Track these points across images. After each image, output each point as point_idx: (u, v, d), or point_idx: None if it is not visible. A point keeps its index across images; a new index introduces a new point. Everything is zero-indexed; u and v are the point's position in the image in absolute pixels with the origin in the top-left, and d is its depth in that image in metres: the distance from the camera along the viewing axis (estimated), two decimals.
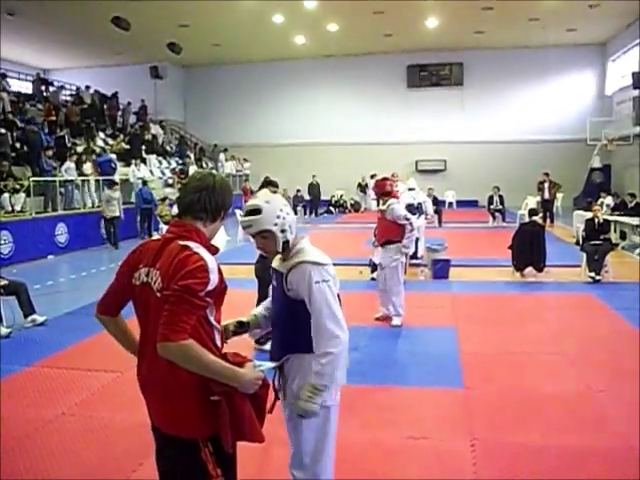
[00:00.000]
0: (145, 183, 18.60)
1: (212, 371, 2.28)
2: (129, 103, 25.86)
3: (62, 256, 14.46)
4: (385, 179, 8.25)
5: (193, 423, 2.35)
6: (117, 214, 16.42)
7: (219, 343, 2.45)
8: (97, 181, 17.61)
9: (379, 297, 8.08)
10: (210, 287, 2.30)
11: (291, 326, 2.96)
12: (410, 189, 12.30)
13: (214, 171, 2.89)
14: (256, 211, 2.86)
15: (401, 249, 7.79)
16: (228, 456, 2.43)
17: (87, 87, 24.98)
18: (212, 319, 2.41)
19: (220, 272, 2.40)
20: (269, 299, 3.21)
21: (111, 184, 16.79)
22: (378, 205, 8.04)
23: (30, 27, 20.70)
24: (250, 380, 2.38)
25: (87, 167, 17.47)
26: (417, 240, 12.12)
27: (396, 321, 7.75)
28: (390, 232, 7.76)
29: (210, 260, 2.33)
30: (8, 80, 20.88)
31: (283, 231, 2.89)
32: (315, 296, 2.82)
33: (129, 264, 2.52)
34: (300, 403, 2.84)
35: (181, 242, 2.37)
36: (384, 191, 7.97)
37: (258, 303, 6.41)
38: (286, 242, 2.93)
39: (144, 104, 27.29)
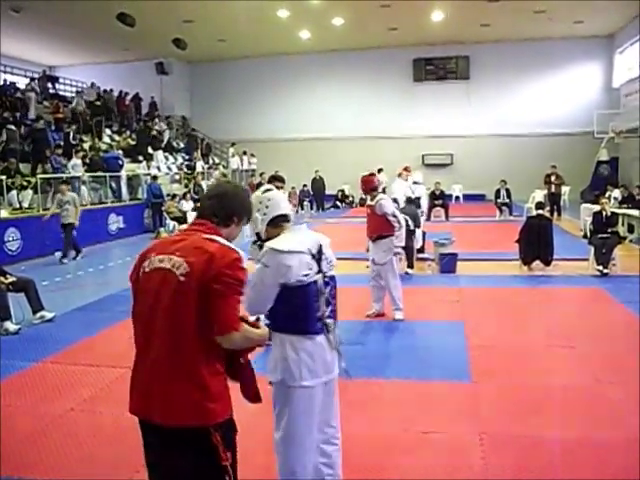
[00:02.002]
0: (155, 178, 18.70)
1: (259, 341, 2.61)
2: (130, 98, 25.93)
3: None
4: (372, 175, 8.07)
5: (206, 409, 2.38)
6: (69, 220, 13.18)
7: None
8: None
9: (371, 293, 7.95)
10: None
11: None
12: (414, 182, 12.32)
13: (234, 182, 3.31)
14: None
15: (392, 248, 7.67)
16: (233, 440, 2.51)
17: (92, 84, 25.04)
18: None
19: None
20: None
21: (59, 184, 13.92)
22: (372, 200, 7.81)
23: (35, 24, 20.74)
24: (267, 334, 2.75)
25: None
26: (424, 234, 12.14)
27: (399, 315, 7.68)
28: (381, 227, 7.64)
29: (241, 253, 2.51)
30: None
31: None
32: (254, 272, 3.07)
33: (135, 267, 2.61)
34: None
35: (205, 235, 2.50)
36: (372, 186, 7.81)
37: None
38: (257, 234, 3.35)
39: (154, 100, 27.38)
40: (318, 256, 3.16)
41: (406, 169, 12.34)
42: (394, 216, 7.60)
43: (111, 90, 25.08)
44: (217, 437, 2.39)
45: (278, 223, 3.24)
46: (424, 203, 12.57)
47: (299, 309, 3.09)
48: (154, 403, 2.42)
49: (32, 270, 11.47)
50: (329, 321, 3.18)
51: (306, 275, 3.07)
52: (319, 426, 3.21)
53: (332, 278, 3.24)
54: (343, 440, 3.15)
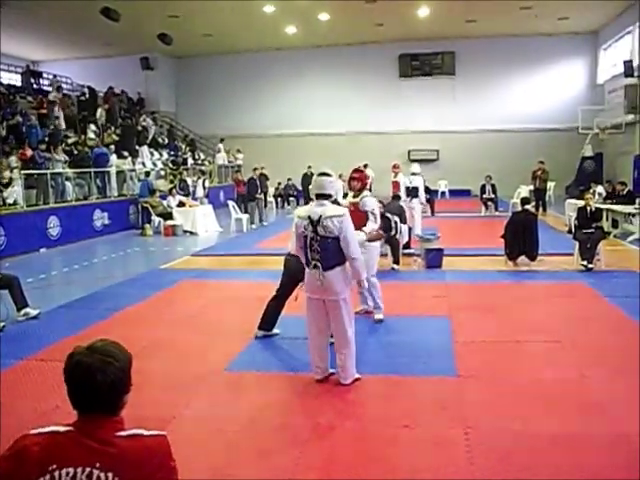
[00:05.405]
0: (148, 174, 18.77)
1: None
2: (115, 94, 25.77)
3: (54, 249, 14.39)
4: (363, 171, 7.81)
5: None
6: None
7: None
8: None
9: (358, 292, 7.46)
10: None
11: None
12: (412, 173, 12.91)
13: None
14: None
15: (364, 243, 7.30)
16: None
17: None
18: None
19: None
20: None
21: None
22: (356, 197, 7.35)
23: (18, 18, 20.46)
24: None
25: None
26: (410, 229, 12.17)
27: (379, 315, 7.48)
28: (364, 224, 7.20)
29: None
30: None
31: None
32: None
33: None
34: None
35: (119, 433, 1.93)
36: (365, 183, 7.56)
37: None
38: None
39: (141, 96, 27.19)
40: (316, 222, 5.02)
41: (394, 167, 12.71)
42: (373, 214, 7.21)
43: (111, 89, 24.94)
44: None
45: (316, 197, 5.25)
46: (422, 194, 13.02)
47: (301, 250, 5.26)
48: None
49: (16, 267, 11.38)
50: (314, 262, 5.13)
51: (303, 231, 5.15)
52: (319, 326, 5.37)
53: (324, 237, 5.02)
54: (329, 435, 3.15)
